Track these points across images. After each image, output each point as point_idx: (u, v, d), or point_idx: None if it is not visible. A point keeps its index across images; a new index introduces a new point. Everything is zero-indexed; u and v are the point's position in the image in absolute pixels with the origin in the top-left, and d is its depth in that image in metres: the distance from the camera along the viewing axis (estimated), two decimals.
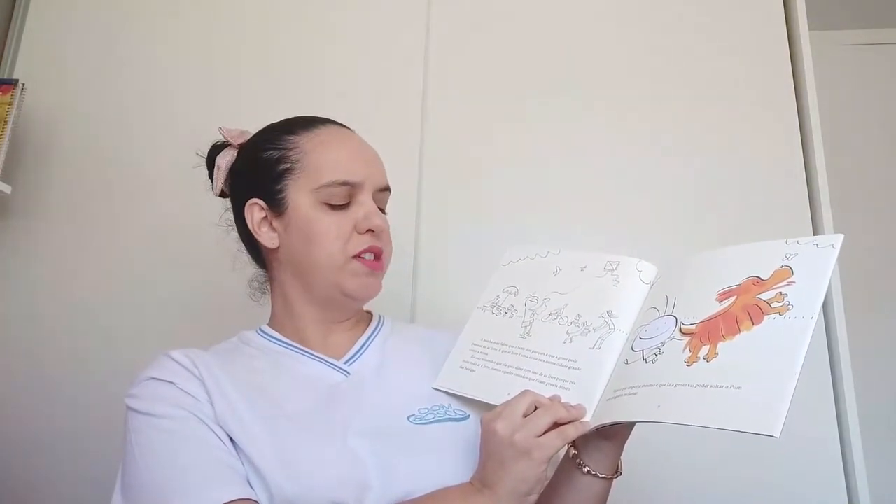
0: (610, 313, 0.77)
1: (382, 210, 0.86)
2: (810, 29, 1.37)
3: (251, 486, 0.69)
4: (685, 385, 0.63)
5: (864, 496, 1.14)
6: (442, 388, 0.82)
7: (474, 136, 1.39)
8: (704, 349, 0.65)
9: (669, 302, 0.73)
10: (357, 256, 0.81)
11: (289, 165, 0.83)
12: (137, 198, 1.40)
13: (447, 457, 0.75)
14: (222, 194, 0.91)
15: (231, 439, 0.71)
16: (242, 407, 0.73)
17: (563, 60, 1.42)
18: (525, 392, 0.71)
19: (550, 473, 0.77)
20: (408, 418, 0.78)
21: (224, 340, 0.86)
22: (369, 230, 0.82)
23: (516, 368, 0.78)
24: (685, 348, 0.67)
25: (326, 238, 0.80)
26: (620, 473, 0.76)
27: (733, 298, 0.68)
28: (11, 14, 1.55)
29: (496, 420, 0.69)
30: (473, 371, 0.82)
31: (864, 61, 1.94)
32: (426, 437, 0.77)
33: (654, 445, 0.96)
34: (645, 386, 0.67)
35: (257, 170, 0.85)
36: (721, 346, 0.64)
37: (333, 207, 0.81)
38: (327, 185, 0.81)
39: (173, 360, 0.76)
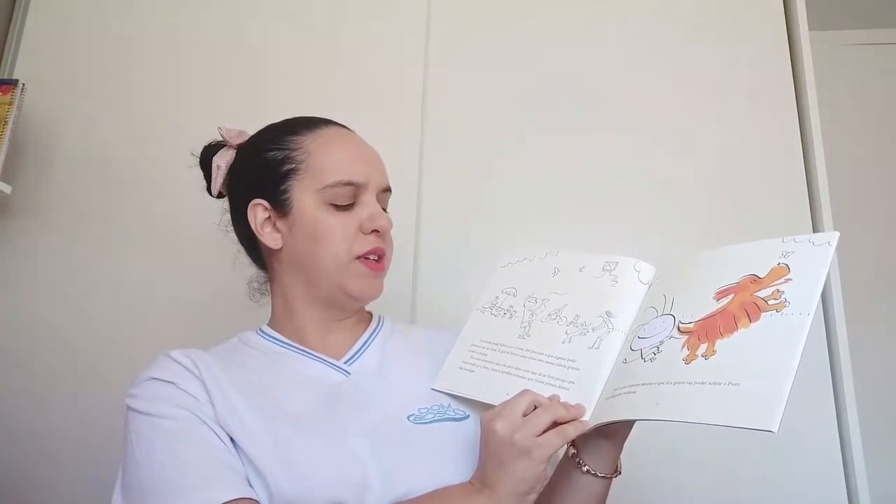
0: (608, 313, 0.77)
1: (384, 210, 0.86)
2: (810, 29, 1.37)
3: (251, 486, 0.69)
4: (684, 383, 0.64)
5: (864, 496, 1.14)
6: (441, 389, 0.82)
7: (474, 137, 1.39)
8: (703, 347, 0.65)
9: (667, 301, 0.73)
10: (360, 257, 0.82)
11: (293, 166, 0.83)
12: (137, 198, 1.40)
13: (447, 456, 0.75)
14: (219, 195, 0.91)
15: (231, 439, 0.71)
16: (242, 407, 0.73)
17: (563, 60, 1.42)
18: (524, 392, 0.71)
19: (550, 473, 0.77)
20: (408, 418, 0.78)
21: (224, 341, 0.87)
22: (374, 231, 0.82)
23: (515, 369, 0.78)
24: (684, 346, 0.67)
25: (332, 238, 0.81)
26: (620, 473, 0.76)
27: (731, 296, 0.68)
28: (11, 14, 1.55)
29: (496, 419, 0.69)
30: (472, 372, 0.82)
31: (864, 61, 1.94)
32: (426, 437, 0.77)
33: (653, 445, 0.96)
34: (644, 384, 0.67)
35: (260, 170, 0.84)
36: (719, 343, 0.64)
37: (338, 208, 0.81)
38: (332, 186, 0.81)
39: (174, 360, 0.76)
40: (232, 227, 0.91)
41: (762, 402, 0.57)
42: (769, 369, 0.59)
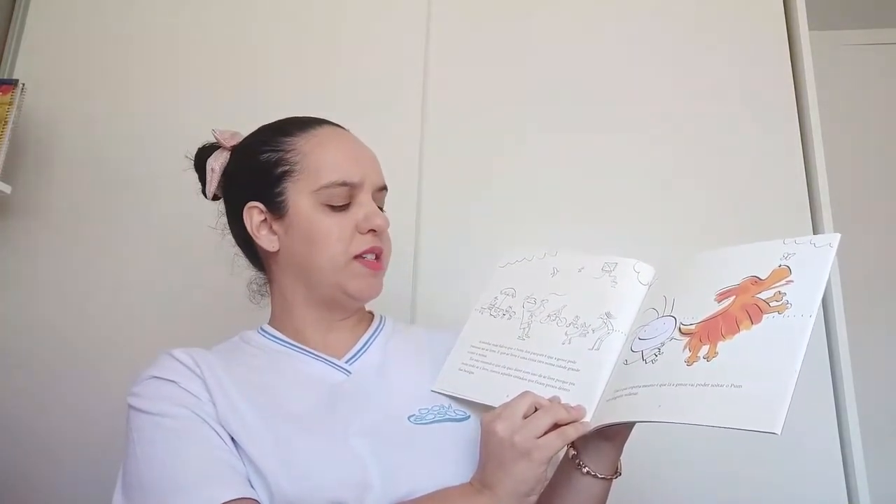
0: (608, 314, 0.77)
1: (380, 209, 0.86)
2: (810, 29, 1.37)
3: (252, 486, 0.69)
4: (686, 384, 0.64)
5: (864, 496, 1.14)
6: (441, 391, 0.82)
7: (474, 137, 1.39)
8: (704, 349, 0.65)
9: (668, 302, 0.73)
10: (358, 257, 0.81)
11: (287, 168, 0.82)
12: (137, 198, 1.40)
13: (448, 457, 0.75)
14: (214, 197, 0.90)
15: (232, 438, 0.71)
16: (244, 406, 0.73)
17: (563, 60, 1.42)
18: (525, 393, 0.71)
19: (550, 474, 0.77)
20: (408, 418, 0.78)
21: (225, 340, 0.86)
22: (371, 230, 0.82)
23: (515, 370, 0.78)
24: (685, 348, 0.67)
25: (328, 239, 0.80)
26: (620, 474, 0.76)
27: (732, 298, 0.68)
28: (11, 14, 1.55)
29: (496, 421, 0.69)
30: (472, 373, 0.82)
31: (864, 61, 1.94)
32: (427, 438, 0.77)
33: (653, 445, 0.96)
34: (645, 386, 0.67)
35: (255, 172, 0.84)
36: (721, 345, 0.64)
37: (334, 209, 0.81)
38: (327, 187, 0.81)
39: (175, 358, 0.76)
40: (229, 230, 0.91)
41: (765, 404, 0.57)
42: (772, 371, 0.59)
